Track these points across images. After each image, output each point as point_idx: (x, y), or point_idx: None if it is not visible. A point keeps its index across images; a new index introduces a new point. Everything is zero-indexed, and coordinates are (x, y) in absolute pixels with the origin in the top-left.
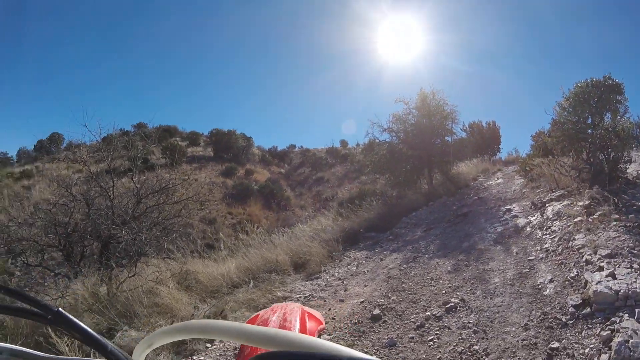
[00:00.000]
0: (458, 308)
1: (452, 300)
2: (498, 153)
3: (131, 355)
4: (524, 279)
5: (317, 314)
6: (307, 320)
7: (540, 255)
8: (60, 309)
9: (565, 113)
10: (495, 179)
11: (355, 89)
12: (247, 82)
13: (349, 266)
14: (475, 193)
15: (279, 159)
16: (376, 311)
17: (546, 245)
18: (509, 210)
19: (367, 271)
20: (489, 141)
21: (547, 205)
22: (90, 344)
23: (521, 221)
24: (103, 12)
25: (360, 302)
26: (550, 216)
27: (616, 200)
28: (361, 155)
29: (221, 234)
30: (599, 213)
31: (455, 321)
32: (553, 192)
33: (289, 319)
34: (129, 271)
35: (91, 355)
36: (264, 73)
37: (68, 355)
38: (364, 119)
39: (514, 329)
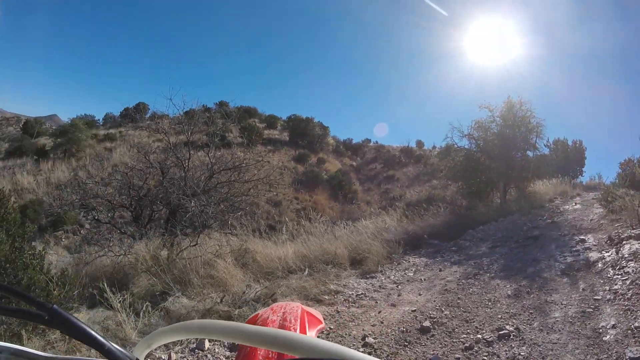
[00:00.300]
0: (511, 337)
1: (507, 327)
2: (580, 176)
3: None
4: (586, 319)
5: (317, 313)
6: (306, 320)
7: (608, 297)
8: (54, 305)
9: None
10: (574, 204)
11: (438, 91)
12: (333, 73)
13: (406, 271)
14: (549, 216)
15: (352, 152)
16: (426, 323)
17: (616, 287)
18: (583, 240)
19: (424, 279)
20: (572, 162)
21: (624, 242)
22: (87, 342)
23: (593, 255)
24: None
25: (412, 311)
26: (626, 255)
27: None
28: (436, 158)
29: (285, 218)
30: None
31: (506, 350)
32: (634, 229)
33: (289, 319)
34: (191, 240)
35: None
36: (350, 67)
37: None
38: (443, 123)
39: None
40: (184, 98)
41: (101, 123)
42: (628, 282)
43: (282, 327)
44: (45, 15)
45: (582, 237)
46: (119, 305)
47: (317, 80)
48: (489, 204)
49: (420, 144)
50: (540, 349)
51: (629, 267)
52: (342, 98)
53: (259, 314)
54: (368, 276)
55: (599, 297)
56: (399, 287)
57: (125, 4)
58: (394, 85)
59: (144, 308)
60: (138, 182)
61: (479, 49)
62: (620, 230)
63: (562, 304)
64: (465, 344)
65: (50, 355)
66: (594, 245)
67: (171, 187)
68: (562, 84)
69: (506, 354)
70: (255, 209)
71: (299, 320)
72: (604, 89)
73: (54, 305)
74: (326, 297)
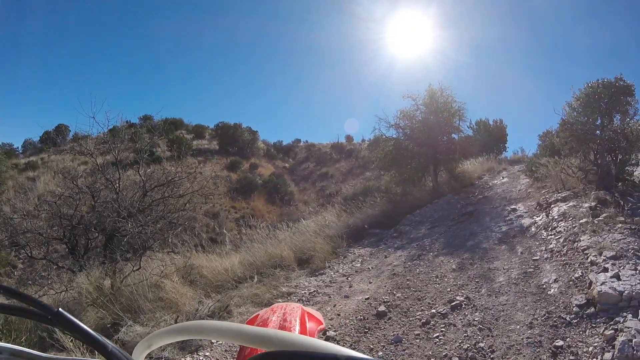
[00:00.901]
0: (463, 306)
1: (458, 298)
2: (504, 152)
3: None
4: (529, 278)
5: (317, 314)
6: (307, 321)
7: (545, 256)
8: (60, 309)
9: (575, 113)
10: (501, 178)
11: (362, 85)
12: (254, 76)
13: (353, 263)
14: (480, 192)
15: (283, 153)
16: (381, 308)
17: (551, 246)
18: (514, 210)
19: (372, 268)
20: (495, 140)
21: (552, 205)
22: (91, 344)
23: (526, 221)
24: (110, 8)
25: (366, 299)
26: (556, 217)
27: (622, 203)
28: (366, 151)
29: (224, 230)
30: (604, 215)
31: (461, 319)
32: (559, 192)
33: (289, 319)
34: (134, 265)
35: (91, 355)
36: (271, 68)
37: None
38: (369, 115)
39: (518, 327)
40: (108, 115)
41: (20, 151)
42: (562, 240)
43: (282, 327)
44: None
45: (513, 206)
46: (71, 344)
47: (241, 85)
48: (422, 188)
49: (349, 138)
50: (492, 312)
51: (560, 227)
52: (268, 101)
53: (258, 314)
54: (317, 273)
55: (537, 257)
56: (349, 278)
57: (37, 21)
58: (319, 83)
59: None
60: (68, 211)
61: (398, 42)
62: (547, 196)
63: (504, 269)
64: (422, 320)
65: (50, 355)
66: (525, 212)
67: (105, 211)
68: (478, 69)
69: (461, 322)
70: (194, 223)
71: (299, 321)
72: (518, 70)
73: (60, 309)
74: (279, 300)
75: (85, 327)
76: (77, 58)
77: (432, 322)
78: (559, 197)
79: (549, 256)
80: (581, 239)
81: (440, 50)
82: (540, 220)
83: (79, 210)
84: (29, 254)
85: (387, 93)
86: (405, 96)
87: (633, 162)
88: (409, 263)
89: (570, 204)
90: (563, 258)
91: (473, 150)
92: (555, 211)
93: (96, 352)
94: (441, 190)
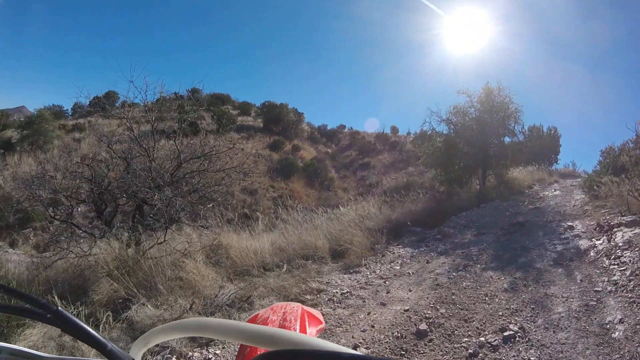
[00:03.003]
0: (517, 338)
1: (510, 327)
2: (555, 163)
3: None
4: (591, 313)
5: (317, 313)
6: (307, 320)
7: (609, 288)
8: (59, 307)
9: None
10: (553, 190)
11: (413, 79)
12: (307, 61)
13: (392, 264)
14: (530, 202)
15: (327, 138)
16: (423, 325)
17: (615, 278)
18: (571, 227)
19: (412, 273)
20: (547, 149)
21: (615, 229)
22: (90, 343)
23: (584, 243)
24: None
25: (405, 311)
26: (620, 244)
27: None
28: (411, 145)
29: (258, 212)
30: None
31: (514, 355)
32: (623, 216)
33: (289, 319)
34: (158, 238)
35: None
36: (326, 53)
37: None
38: (419, 110)
39: None
40: (146, 80)
41: (70, 113)
42: (628, 272)
43: (282, 327)
44: (8, 5)
45: (569, 223)
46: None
47: (292, 68)
48: (468, 190)
49: (395, 129)
50: (550, 351)
51: (625, 257)
52: (316, 85)
53: (258, 314)
54: (352, 271)
55: (599, 289)
56: (387, 282)
57: None
58: (369, 72)
59: (105, 319)
60: (101, 173)
61: (454, 37)
62: (608, 217)
63: (562, 297)
64: (469, 350)
65: (50, 355)
66: (583, 232)
67: (135, 179)
68: (535, 72)
69: (515, 359)
70: (229, 199)
71: (299, 320)
72: (578, 79)
73: (59, 308)
74: (308, 297)
75: (84, 325)
76: (135, 28)
77: (481, 355)
78: (623, 221)
79: (613, 289)
80: None
81: (498, 46)
82: (601, 244)
83: (109, 176)
84: (52, 216)
85: (438, 89)
86: (460, 92)
87: None
88: (453, 274)
89: (637, 230)
90: (630, 295)
91: (523, 158)
92: (619, 237)
93: (99, 353)
94: (488, 195)
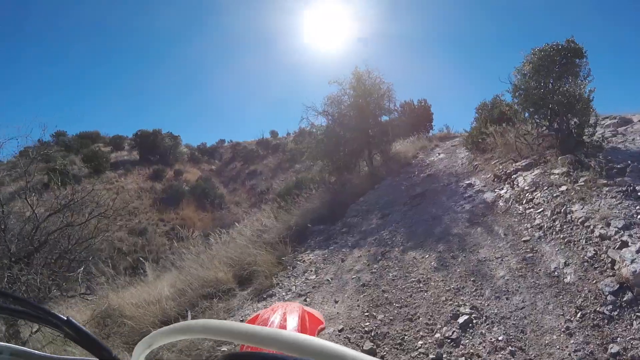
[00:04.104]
0: (474, 321)
1: (461, 310)
2: (431, 130)
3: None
4: (533, 266)
5: (317, 313)
6: (307, 320)
7: (537, 234)
8: (69, 317)
9: (526, 79)
10: (437, 154)
11: (285, 81)
12: (171, 80)
13: (306, 274)
14: (420, 170)
15: (209, 156)
16: (367, 344)
17: (537, 222)
18: (471, 185)
19: (331, 279)
20: (422, 119)
21: (513, 176)
22: (97, 351)
23: (488, 196)
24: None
25: (340, 331)
26: (526, 187)
27: (594, 165)
28: (292, 143)
29: (142, 258)
30: (583, 179)
31: (481, 341)
32: (516, 162)
33: (289, 319)
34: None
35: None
36: (187, 70)
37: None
38: (294, 109)
39: (555, 337)
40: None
41: None
42: (548, 213)
43: (282, 327)
44: None
45: (466, 182)
46: None
47: (159, 90)
48: (359, 174)
49: (274, 133)
50: (514, 322)
51: (537, 198)
52: (188, 104)
53: (259, 314)
54: (265, 295)
55: (528, 238)
56: (308, 299)
57: None
58: (239, 83)
59: None
60: None
61: (319, 34)
62: (501, 167)
63: (497, 259)
64: (430, 354)
65: (50, 355)
66: (483, 186)
67: None
68: (396, 57)
69: (483, 346)
70: (107, 250)
71: (299, 320)
72: (442, 56)
73: (69, 317)
74: (224, 348)
75: (91, 333)
76: None
77: (445, 356)
78: (519, 167)
79: (543, 235)
80: (572, 209)
81: (356, 40)
82: (506, 192)
83: None
84: None
85: (312, 86)
86: (331, 81)
87: (590, 123)
88: (375, 266)
89: (536, 172)
90: (561, 235)
91: (400, 132)
92: (520, 181)
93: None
94: (379, 173)
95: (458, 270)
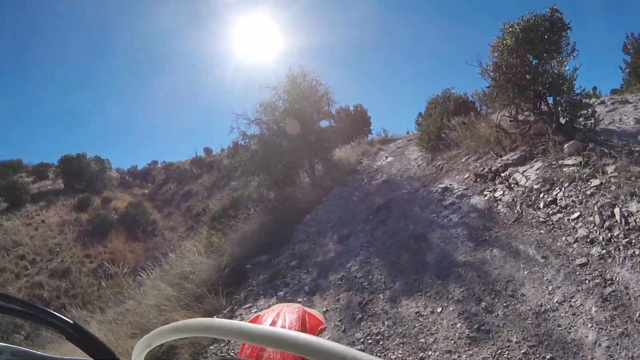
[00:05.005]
0: None
1: None
2: (369, 134)
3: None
4: (625, 309)
5: (317, 314)
6: (307, 321)
7: (594, 252)
8: (76, 321)
9: (504, 56)
10: (383, 158)
11: (216, 96)
12: (100, 100)
13: None
14: (370, 177)
15: (140, 179)
16: None
17: (582, 233)
18: (447, 189)
19: None
20: (360, 124)
21: (504, 173)
22: (102, 356)
23: (477, 201)
24: None
25: None
26: (536, 186)
27: (609, 151)
28: (227, 159)
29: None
30: (612, 169)
31: None
32: (500, 155)
33: (290, 319)
34: None
35: None
36: (115, 88)
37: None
38: (227, 123)
39: None
40: None
41: None
42: (593, 219)
43: (282, 327)
44: None
45: (439, 186)
46: None
47: (89, 113)
48: (301, 187)
49: (208, 151)
50: None
51: (562, 199)
52: (117, 125)
53: (259, 315)
54: None
55: (585, 261)
56: None
57: None
58: (168, 100)
59: None
60: None
61: (247, 47)
62: (480, 163)
63: (560, 305)
64: None
65: (51, 355)
66: (465, 189)
67: None
68: (330, 66)
69: None
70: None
71: (299, 320)
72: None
73: (75, 321)
74: None
75: (98, 338)
76: None
77: None
78: (508, 161)
79: (604, 252)
80: (631, 209)
81: (287, 55)
82: (504, 194)
83: None
84: None
85: (240, 100)
86: (263, 87)
87: (584, 104)
88: (356, 334)
89: (537, 165)
90: (635, 250)
91: (340, 138)
92: (521, 179)
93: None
94: (323, 184)
95: (512, 338)
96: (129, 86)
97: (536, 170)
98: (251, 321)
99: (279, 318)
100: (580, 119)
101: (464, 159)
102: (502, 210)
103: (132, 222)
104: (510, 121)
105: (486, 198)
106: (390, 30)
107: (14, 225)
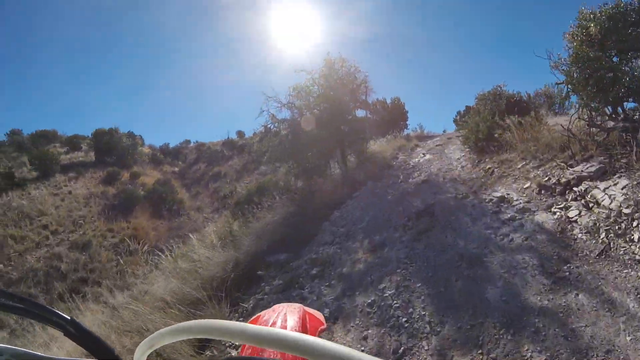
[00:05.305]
0: None
1: None
2: (405, 129)
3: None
4: None
5: (318, 314)
6: (308, 321)
7: None
8: (72, 317)
9: (584, 47)
10: (420, 155)
11: (251, 80)
12: (137, 78)
13: None
14: (406, 174)
15: (172, 157)
16: None
17: None
18: (504, 199)
19: None
20: (396, 118)
21: (577, 188)
22: (99, 352)
23: (545, 219)
24: None
25: None
26: (625, 210)
27: None
28: (258, 143)
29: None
30: None
31: None
32: (572, 166)
33: (290, 320)
34: None
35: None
36: (156, 69)
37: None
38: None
39: None
40: None
41: None
42: None
43: (283, 327)
44: None
45: (494, 194)
46: None
47: (126, 89)
48: (331, 178)
49: (240, 134)
50: None
51: None
52: (153, 103)
53: (260, 315)
54: None
55: None
56: None
57: None
58: (205, 81)
59: None
60: None
61: (284, 35)
62: (542, 172)
63: None
64: None
65: (51, 356)
66: (527, 202)
67: None
68: (369, 57)
69: None
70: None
71: (300, 321)
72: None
73: (72, 317)
74: None
75: (96, 334)
76: None
77: None
78: (584, 173)
79: None
80: None
81: (327, 43)
82: (580, 215)
83: None
84: None
85: (276, 86)
86: (298, 70)
87: None
88: None
89: (623, 182)
90: None
91: (374, 131)
92: (602, 198)
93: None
94: (356, 178)
95: None
96: (170, 66)
97: (622, 189)
98: (252, 322)
99: (279, 318)
100: None
101: (520, 165)
102: (580, 236)
103: (158, 200)
104: (588, 125)
105: (556, 217)
106: (432, 25)
107: (40, 195)
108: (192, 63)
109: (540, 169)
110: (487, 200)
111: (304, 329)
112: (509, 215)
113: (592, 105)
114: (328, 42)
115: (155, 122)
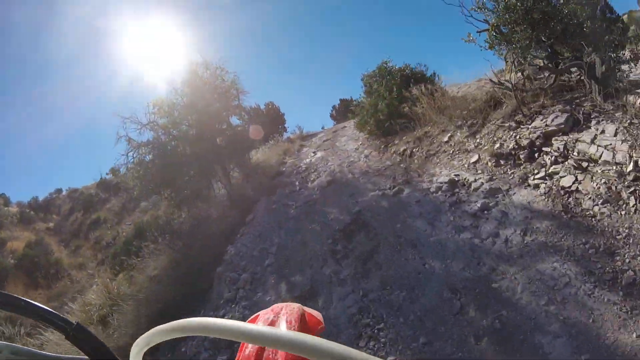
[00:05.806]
0: None
1: None
2: (285, 132)
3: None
4: None
5: (317, 314)
6: (306, 320)
7: None
8: (78, 321)
9: None
10: (311, 154)
11: (111, 105)
12: None
13: None
14: (303, 180)
15: (44, 211)
16: None
17: None
18: (457, 183)
19: None
20: (274, 122)
21: (545, 147)
22: (102, 357)
23: (529, 197)
24: None
25: None
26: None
27: None
28: (129, 177)
29: None
30: None
31: None
32: (521, 122)
33: (289, 319)
34: None
35: None
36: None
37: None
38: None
39: None
40: None
41: None
42: None
43: (282, 326)
44: None
45: (439, 180)
46: None
47: None
48: (216, 201)
49: (114, 171)
50: None
51: None
52: (13, 155)
53: (259, 315)
54: None
55: None
56: None
57: None
58: (61, 117)
59: None
60: None
61: (139, 57)
62: (495, 138)
63: None
64: None
65: (50, 354)
66: (489, 180)
67: None
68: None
69: None
70: None
71: (299, 320)
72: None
73: (77, 322)
74: None
75: (100, 340)
76: None
77: None
78: (551, 128)
79: None
80: None
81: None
82: (582, 182)
83: None
84: None
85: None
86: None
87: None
88: None
89: (610, 128)
90: None
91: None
92: (599, 152)
93: None
94: (245, 196)
95: None
96: (20, 110)
97: (614, 136)
98: (250, 321)
99: (278, 318)
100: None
101: (446, 138)
102: (597, 210)
103: (31, 266)
104: (539, 69)
105: (541, 190)
106: (288, 24)
107: None
108: (40, 103)
109: (478, 137)
110: (432, 190)
111: (303, 328)
112: (478, 205)
113: (525, 45)
114: (191, 51)
115: (17, 174)
